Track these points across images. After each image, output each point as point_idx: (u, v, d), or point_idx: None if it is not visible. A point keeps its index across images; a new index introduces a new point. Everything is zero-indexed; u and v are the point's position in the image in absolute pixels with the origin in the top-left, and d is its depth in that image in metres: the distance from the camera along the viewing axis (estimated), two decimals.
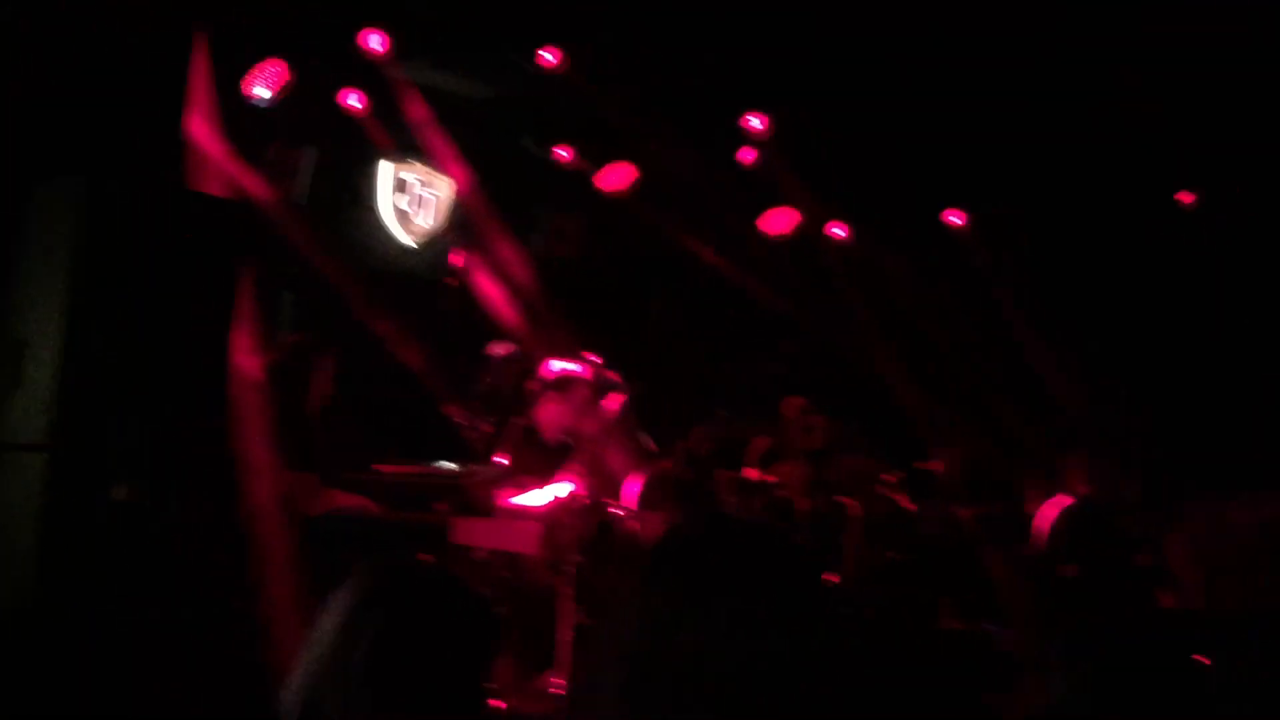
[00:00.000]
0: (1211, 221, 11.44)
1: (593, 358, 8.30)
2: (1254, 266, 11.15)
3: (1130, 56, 9.59)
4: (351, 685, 2.43)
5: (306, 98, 9.35)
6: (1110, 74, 9.70)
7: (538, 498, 7.31)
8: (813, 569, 2.21)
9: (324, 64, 9.45)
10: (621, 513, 8.66)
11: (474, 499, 7.27)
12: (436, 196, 11.01)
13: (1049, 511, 8.28)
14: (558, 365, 7.91)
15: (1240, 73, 9.56)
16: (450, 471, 7.55)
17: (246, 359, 6.81)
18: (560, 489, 7.36)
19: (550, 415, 7.70)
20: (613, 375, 8.22)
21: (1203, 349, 11.32)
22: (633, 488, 8.85)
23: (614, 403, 7.98)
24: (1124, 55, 9.59)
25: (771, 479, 10.40)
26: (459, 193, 10.92)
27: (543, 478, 7.47)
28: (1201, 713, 2.72)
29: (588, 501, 7.43)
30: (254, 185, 8.80)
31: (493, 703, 6.80)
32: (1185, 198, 11.66)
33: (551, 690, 6.95)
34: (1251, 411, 10.75)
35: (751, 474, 10.26)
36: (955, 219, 12.11)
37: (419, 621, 2.49)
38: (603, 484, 8.03)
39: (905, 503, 10.45)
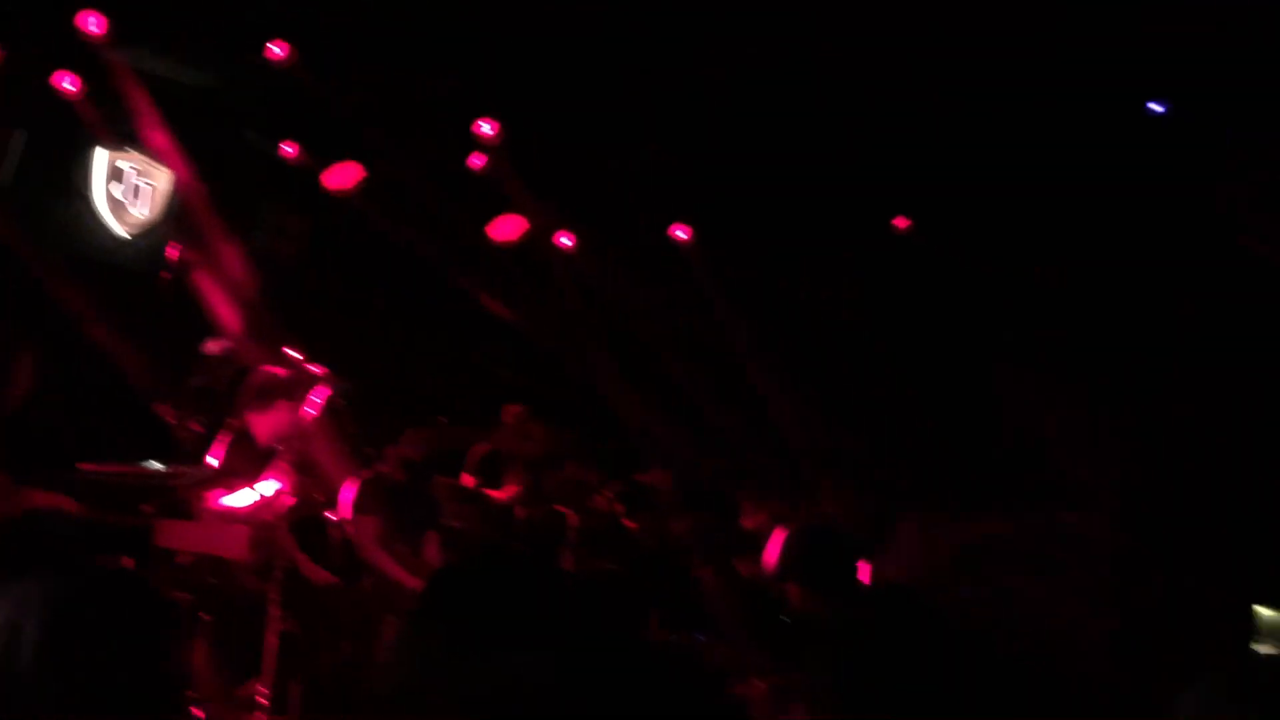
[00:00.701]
0: (929, 245, 11.85)
1: (295, 355, 8.12)
2: (969, 293, 11.58)
3: (856, 79, 9.91)
4: (19, 684, 2.32)
5: (16, 78, 8.96)
6: (837, 93, 9.99)
7: (243, 498, 7.13)
8: (581, 597, 2.24)
9: (37, 44, 9.07)
10: (335, 518, 8.54)
11: (181, 501, 7.03)
12: (154, 187, 10.66)
13: (781, 531, 8.45)
14: (271, 370, 7.71)
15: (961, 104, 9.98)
16: (157, 472, 7.29)
17: None
18: (266, 488, 7.20)
19: (265, 421, 7.49)
20: (317, 370, 8.03)
21: (918, 372, 11.71)
22: (348, 493, 8.73)
23: (319, 397, 7.80)
24: (845, 75, 9.90)
25: (490, 488, 10.38)
26: (178, 184, 10.58)
27: (253, 481, 7.29)
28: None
29: (294, 501, 7.28)
30: None
31: (195, 711, 6.59)
32: (900, 223, 12.03)
33: (256, 698, 6.78)
34: (960, 435, 11.17)
35: (469, 481, 10.22)
36: (681, 233, 12.25)
37: (87, 616, 2.39)
38: (313, 485, 7.89)
39: (621, 514, 10.54)
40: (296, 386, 7.63)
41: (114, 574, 2.56)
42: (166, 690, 2.45)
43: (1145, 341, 10.49)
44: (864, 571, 6.84)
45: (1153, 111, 10.56)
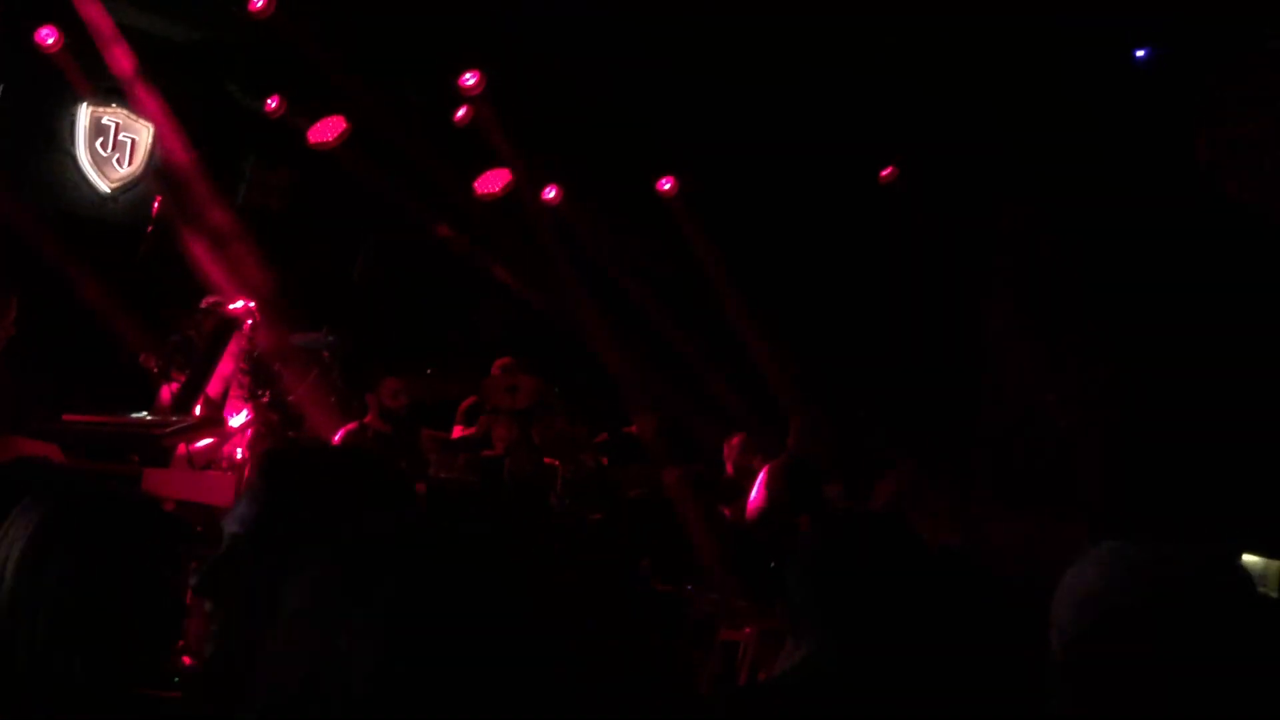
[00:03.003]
0: (910, 201, 11.85)
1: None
2: (945, 249, 11.59)
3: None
4: (39, 617, 2.28)
5: None
6: (821, 42, 9.98)
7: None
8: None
9: None
10: None
11: (167, 450, 7.04)
12: (136, 141, 10.63)
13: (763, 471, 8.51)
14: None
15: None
16: (142, 421, 7.30)
17: None
18: (234, 420, 7.27)
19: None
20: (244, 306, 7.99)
21: (897, 323, 11.73)
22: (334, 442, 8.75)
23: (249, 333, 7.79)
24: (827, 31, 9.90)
25: (478, 441, 10.40)
26: (161, 138, 10.56)
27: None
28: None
29: (260, 431, 7.33)
30: None
31: (186, 660, 6.61)
32: (886, 173, 12.03)
33: None
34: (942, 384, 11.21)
35: (457, 433, 10.25)
36: (666, 185, 12.24)
37: (107, 543, 2.34)
38: (282, 419, 7.97)
39: (609, 465, 10.58)
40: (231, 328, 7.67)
41: (126, 496, 2.51)
42: (161, 607, 2.39)
43: (1125, 292, 10.51)
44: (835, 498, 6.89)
45: (1139, 59, 10.55)
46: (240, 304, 7.75)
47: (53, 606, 2.28)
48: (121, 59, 9.87)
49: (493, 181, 11.94)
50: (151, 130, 10.60)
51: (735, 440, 9.67)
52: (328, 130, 11.07)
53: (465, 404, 10.59)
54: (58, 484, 2.50)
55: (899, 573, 2.87)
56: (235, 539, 2.16)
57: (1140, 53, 10.48)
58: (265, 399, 7.67)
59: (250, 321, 7.63)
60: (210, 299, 9.11)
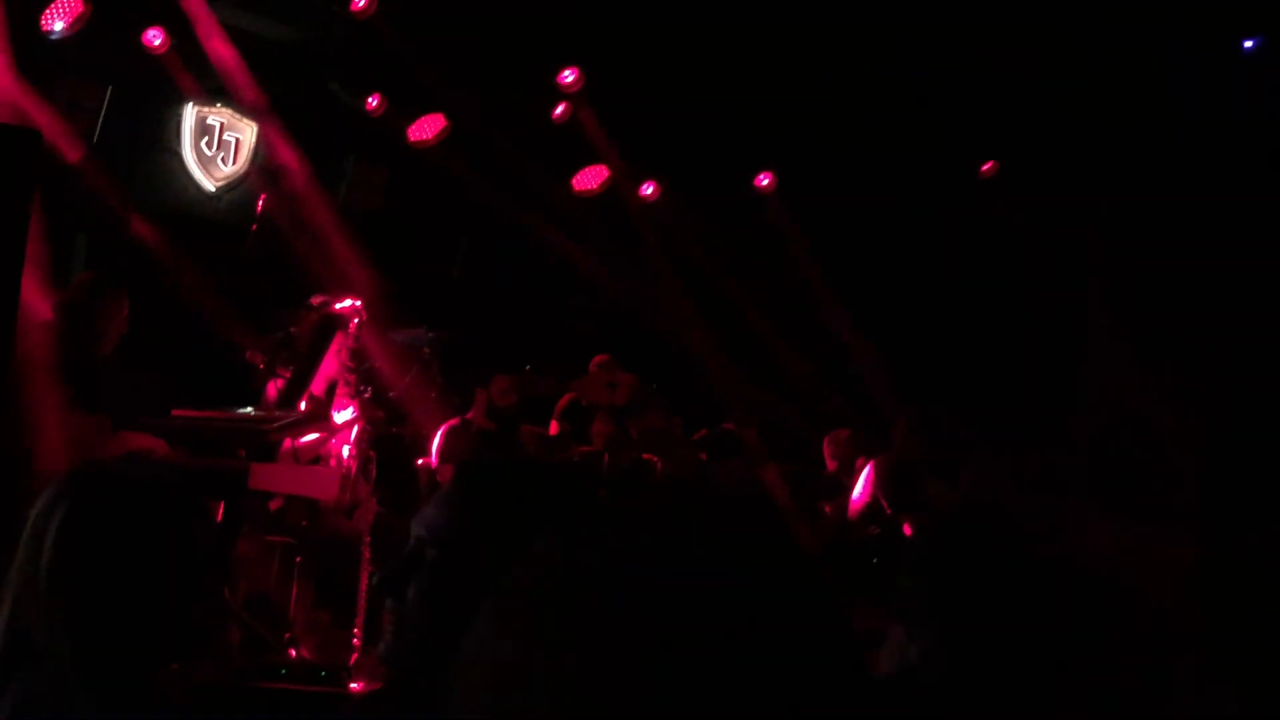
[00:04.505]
0: (1008, 200, 11.74)
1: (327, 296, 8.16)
2: (1042, 250, 11.47)
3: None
4: (42, 591, 2.29)
5: (103, 33, 9.07)
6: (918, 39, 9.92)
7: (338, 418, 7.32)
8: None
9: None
10: (423, 463, 8.63)
11: (274, 445, 7.10)
12: (240, 140, 10.75)
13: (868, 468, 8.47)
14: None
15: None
16: (250, 417, 7.37)
17: (35, 297, 6.56)
18: (339, 416, 7.32)
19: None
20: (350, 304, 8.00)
21: (988, 318, 11.63)
22: (436, 439, 8.82)
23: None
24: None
25: (577, 437, 10.40)
26: (264, 137, 10.68)
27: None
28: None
29: (367, 428, 7.37)
30: (45, 120, 8.50)
31: (291, 652, 6.68)
32: (986, 168, 11.93)
33: (354, 640, 6.84)
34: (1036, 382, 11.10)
35: (554, 429, 10.26)
36: (764, 181, 12.21)
37: (100, 518, 2.34)
38: (387, 416, 8.01)
39: (708, 461, 10.54)
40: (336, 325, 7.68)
41: (132, 472, 2.50)
42: (190, 585, 2.37)
43: (1224, 292, 10.35)
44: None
45: (1247, 49, 10.38)
46: (347, 303, 7.78)
47: (52, 577, 2.28)
48: (226, 59, 9.99)
49: (590, 178, 11.98)
50: (255, 129, 10.72)
51: (843, 435, 9.60)
52: (427, 128, 11.17)
53: (563, 401, 10.60)
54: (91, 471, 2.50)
55: (1014, 572, 2.85)
56: (420, 541, 2.16)
57: (1249, 43, 10.30)
58: (368, 395, 7.70)
59: (356, 320, 7.67)
60: (318, 297, 9.19)
